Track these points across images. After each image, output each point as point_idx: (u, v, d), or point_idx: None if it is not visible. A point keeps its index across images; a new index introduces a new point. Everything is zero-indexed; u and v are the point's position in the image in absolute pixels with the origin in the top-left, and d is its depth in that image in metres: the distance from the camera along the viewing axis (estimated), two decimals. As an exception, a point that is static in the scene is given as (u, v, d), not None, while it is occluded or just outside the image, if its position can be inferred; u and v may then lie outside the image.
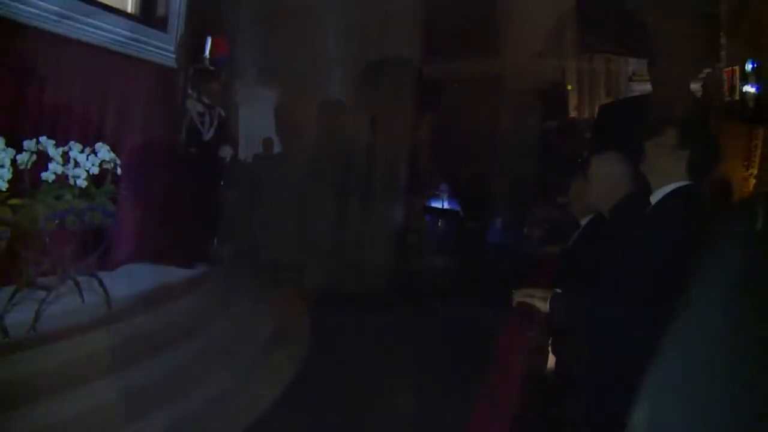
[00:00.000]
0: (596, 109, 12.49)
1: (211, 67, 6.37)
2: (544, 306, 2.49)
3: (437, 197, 9.52)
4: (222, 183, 6.77)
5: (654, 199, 2.51)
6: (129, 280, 5.37)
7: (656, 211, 2.48)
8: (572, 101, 13.50)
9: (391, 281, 8.70)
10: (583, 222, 4.01)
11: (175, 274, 5.83)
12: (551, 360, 3.39)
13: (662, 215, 2.44)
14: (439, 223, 9.42)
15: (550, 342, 3.39)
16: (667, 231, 2.35)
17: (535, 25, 13.18)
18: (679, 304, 2.42)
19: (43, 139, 4.13)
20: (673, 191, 2.45)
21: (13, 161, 3.86)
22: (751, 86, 6.34)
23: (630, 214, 2.96)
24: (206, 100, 6.27)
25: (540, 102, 12.82)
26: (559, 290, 2.56)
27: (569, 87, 13.25)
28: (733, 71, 7.88)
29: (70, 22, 4.96)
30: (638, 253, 2.36)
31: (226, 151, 6.42)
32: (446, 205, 9.35)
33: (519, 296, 2.59)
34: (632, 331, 2.36)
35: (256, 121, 7.93)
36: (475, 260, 9.30)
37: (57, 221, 4.09)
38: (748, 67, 6.71)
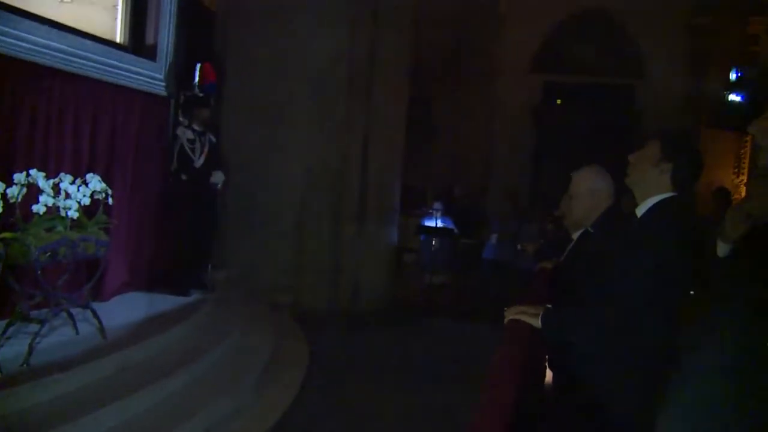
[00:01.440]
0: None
1: (200, 94, 6.40)
2: (536, 322, 2.48)
3: (431, 216, 9.53)
4: (215, 209, 6.77)
5: (640, 211, 2.52)
6: (124, 310, 5.36)
7: (642, 224, 2.49)
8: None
9: (388, 301, 8.71)
10: (575, 236, 4.02)
11: (170, 301, 5.83)
12: (549, 375, 3.38)
13: (648, 227, 2.45)
14: (434, 242, 9.42)
15: (547, 357, 3.39)
16: (654, 243, 2.36)
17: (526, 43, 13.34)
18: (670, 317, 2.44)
19: (33, 171, 4.14)
20: (659, 203, 2.47)
21: (3, 195, 3.86)
22: (737, 95, 6.40)
23: (613, 228, 2.98)
24: (196, 127, 6.29)
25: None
26: (550, 306, 2.55)
27: (558, 101, 13.37)
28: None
29: (60, 54, 4.98)
30: (626, 266, 2.37)
31: (217, 177, 6.42)
32: (440, 223, 9.36)
33: (510, 314, 2.57)
34: (621, 344, 2.38)
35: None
36: (472, 277, 9.31)
37: (49, 253, 4.09)
38: (733, 76, 6.79)
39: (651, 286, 2.33)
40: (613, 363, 2.47)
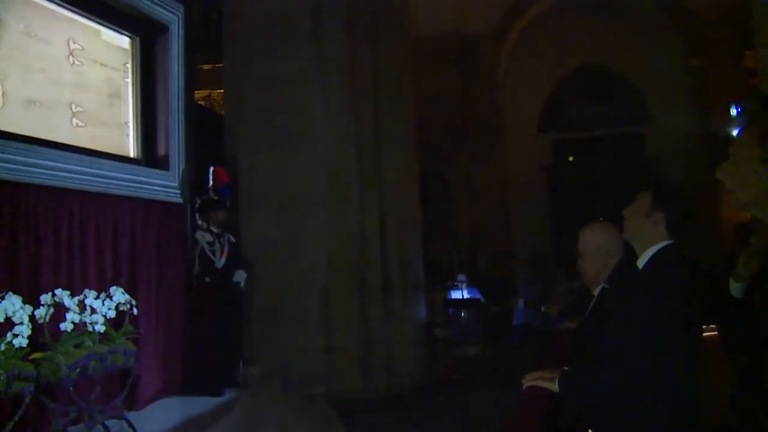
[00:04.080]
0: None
1: (215, 197, 6.58)
2: (554, 386, 2.47)
3: (457, 288, 9.53)
4: (240, 306, 6.85)
5: (641, 263, 2.55)
6: (159, 417, 5.38)
7: (644, 275, 2.52)
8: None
9: (423, 378, 8.61)
10: (595, 293, 4.01)
11: (204, 403, 5.84)
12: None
13: (650, 278, 2.48)
14: (463, 314, 9.40)
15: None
16: (658, 293, 2.39)
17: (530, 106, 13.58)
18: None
19: (58, 291, 4.27)
20: (657, 252, 2.51)
21: (32, 317, 3.98)
22: (738, 130, 6.47)
23: (625, 281, 2.99)
24: (214, 229, 6.45)
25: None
26: (566, 368, 2.54)
27: (570, 159, 13.48)
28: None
29: (77, 175, 5.19)
30: (634, 320, 2.39)
31: (240, 276, 6.54)
32: (467, 295, 9.35)
33: (528, 381, 2.56)
34: (634, 398, 2.37)
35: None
36: (504, 344, 9.23)
37: (79, 369, 4.17)
38: (733, 112, 6.86)
39: (660, 337, 2.35)
40: (638, 419, 2.45)
